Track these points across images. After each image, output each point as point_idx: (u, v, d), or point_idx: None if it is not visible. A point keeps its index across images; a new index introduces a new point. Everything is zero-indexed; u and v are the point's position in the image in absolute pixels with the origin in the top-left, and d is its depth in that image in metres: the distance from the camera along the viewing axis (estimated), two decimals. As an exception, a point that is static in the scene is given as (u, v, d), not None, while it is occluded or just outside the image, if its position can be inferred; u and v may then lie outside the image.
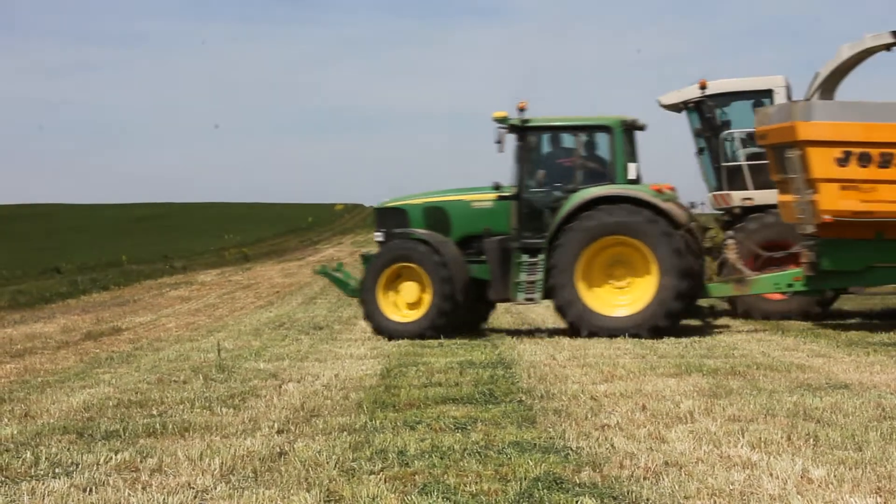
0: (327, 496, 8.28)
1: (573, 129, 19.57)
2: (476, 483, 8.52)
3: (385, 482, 8.59)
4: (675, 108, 23.26)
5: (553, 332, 19.33)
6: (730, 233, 21.16)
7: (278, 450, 9.85)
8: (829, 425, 10.47)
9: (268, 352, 17.52)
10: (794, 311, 21.41)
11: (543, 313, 23.45)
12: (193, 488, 8.59)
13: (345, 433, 10.56)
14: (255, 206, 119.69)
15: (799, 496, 8.00)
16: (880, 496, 7.98)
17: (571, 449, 9.62)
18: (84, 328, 22.59)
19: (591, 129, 19.51)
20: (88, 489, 8.63)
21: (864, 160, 18.40)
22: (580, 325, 18.77)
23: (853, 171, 18.44)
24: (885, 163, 18.37)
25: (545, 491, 8.23)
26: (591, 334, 18.61)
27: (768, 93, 22.33)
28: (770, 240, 21.39)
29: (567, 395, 12.44)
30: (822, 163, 18.54)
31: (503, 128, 19.23)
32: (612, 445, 9.73)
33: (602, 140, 19.47)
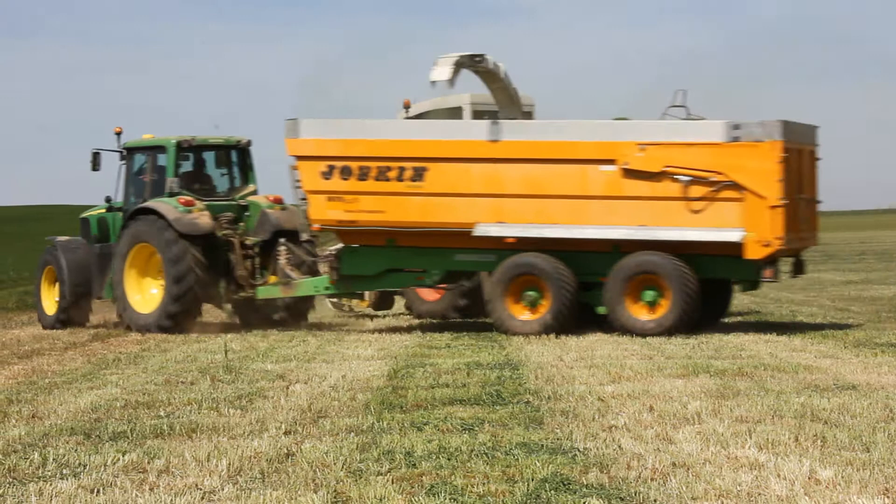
0: (335, 497, 8.28)
1: (143, 150, 22.63)
2: (483, 484, 8.52)
3: (392, 483, 8.59)
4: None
5: (559, 334, 19.31)
6: (282, 239, 22.00)
7: (285, 451, 9.85)
8: (837, 426, 10.45)
9: (275, 353, 17.53)
10: (445, 311, 22.84)
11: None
12: (201, 489, 8.60)
13: (352, 434, 10.56)
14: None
15: (806, 497, 7.99)
16: (888, 497, 7.97)
17: (579, 450, 9.62)
18: (91, 329, 22.60)
19: (153, 150, 22.45)
20: (96, 490, 8.64)
21: (346, 173, 20.10)
22: (127, 321, 21.84)
23: (336, 183, 20.12)
24: (363, 175, 20.01)
25: (552, 492, 8.23)
26: (130, 329, 21.72)
27: (458, 110, 23.61)
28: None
29: (574, 396, 12.44)
30: (310, 176, 20.33)
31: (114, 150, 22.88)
32: (619, 446, 9.73)
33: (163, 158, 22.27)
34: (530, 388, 13.10)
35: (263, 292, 21.84)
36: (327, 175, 20.16)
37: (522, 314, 19.44)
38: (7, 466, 9.50)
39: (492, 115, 21.76)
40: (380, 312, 24.71)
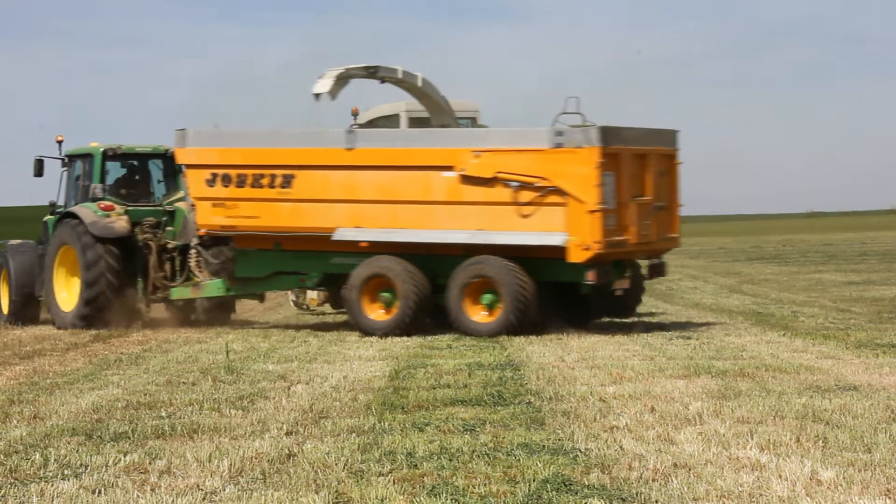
0: (336, 497, 8.28)
1: (79, 158, 23.82)
2: (485, 485, 8.52)
3: (394, 484, 8.59)
4: None
5: (562, 334, 19.32)
6: (193, 242, 22.89)
7: (287, 451, 9.86)
8: (839, 427, 10.45)
9: (276, 353, 17.53)
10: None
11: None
12: (202, 490, 8.60)
13: (353, 435, 10.57)
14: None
15: (808, 498, 7.99)
16: (889, 498, 7.97)
17: (580, 451, 9.62)
18: (92, 330, 22.60)
19: (85, 157, 23.67)
20: (97, 490, 8.65)
21: (226, 181, 21.28)
22: (53, 318, 23.26)
23: (219, 190, 21.34)
24: (241, 182, 21.20)
25: (554, 493, 8.23)
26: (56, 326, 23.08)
27: (396, 118, 24.61)
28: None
29: (576, 397, 12.44)
30: (196, 183, 21.65)
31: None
32: (620, 447, 9.73)
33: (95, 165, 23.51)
34: (532, 389, 13.10)
35: (176, 293, 23.09)
36: (211, 182, 21.39)
37: (377, 314, 20.19)
38: (8, 467, 9.51)
39: (425, 123, 22.87)
40: (341, 310, 24.92)
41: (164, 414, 12.01)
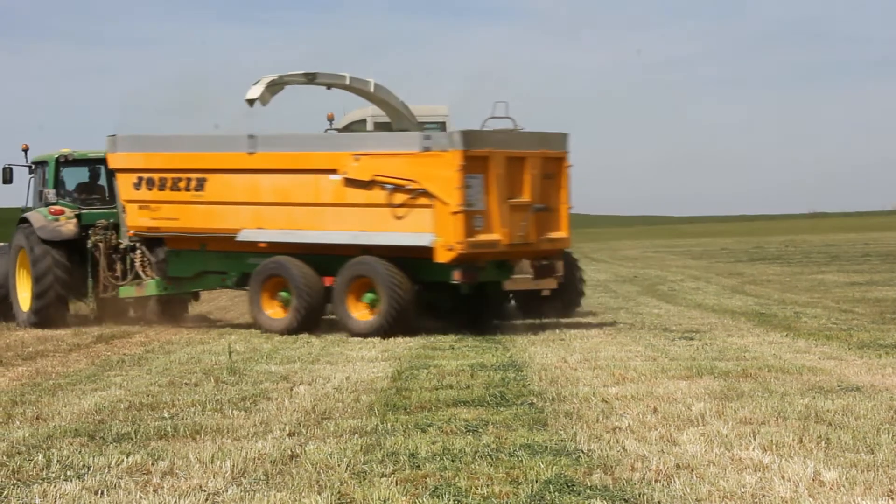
0: (339, 498, 8.28)
1: (41, 165, 24.98)
2: (487, 485, 8.52)
3: (396, 484, 8.59)
4: None
5: (564, 335, 19.33)
6: (138, 243, 23.73)
7: (289, 452, 9.86)
8: (841, 428, 10.45)
9: (279, 354, 17.54)
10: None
11: (553, 315, 23.43)
12: (205, 491, 8.60)
13: (356, 435, 10.57)
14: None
15: (811, 499, 7.99)
16: (892, 499, 7.96)
17: (583, 451, 9.62)
18: (95, 331, 22.62)
19: (40, 164, 25.03)
20: (100, 492, 8.65)
21: (150, 184, 22.57)
22: (15, 316, 24.33)
23: (144, 193, 22.67)
24: (162, 186, 22.42)
25: (556, 493, 8.23)
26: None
27: (363, 122, 25.51)
28: None
29: (578, 398, 12.43)
30: (125, 187, 22.99)
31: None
32: (623, 448, 9.72)
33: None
34: (534, 390, 13.10)
35: (124, 292, 24.00)
36: (137, 186, 22.72)
37: (274, 311, 21.18)
38: (11, 468, 9.51)
39: (387, 127, 23.64)
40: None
41: (166, 415, 12.01)
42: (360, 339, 19.78)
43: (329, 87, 23.48)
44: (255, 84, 22.74)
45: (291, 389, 13.63)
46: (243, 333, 21.41)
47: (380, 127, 24.32)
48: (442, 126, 25.09)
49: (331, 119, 25.17)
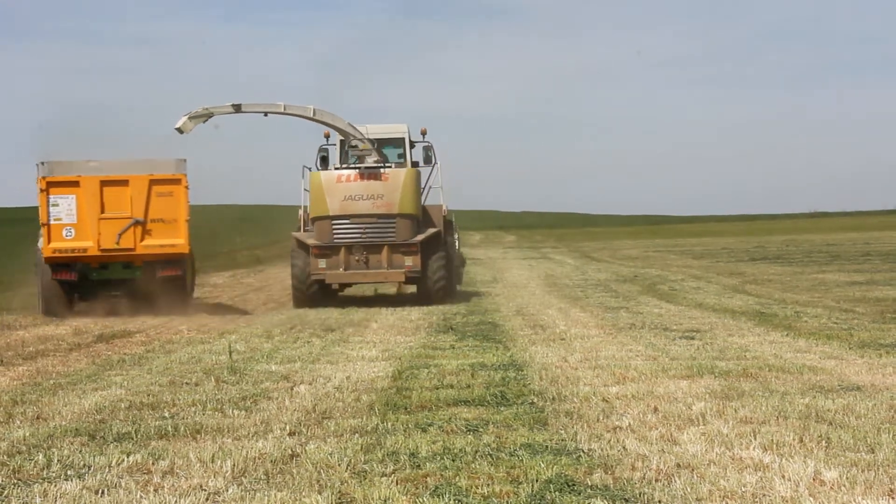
0: (339, 498, 8.28)
1: None
2: (488, 485, 8.52)
3: (397, 484, 8.59)
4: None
5: (565, 334, 19.33)
6: None
7: (290, 452, 9.86)
8: (842, 427, 10.45)
9: (279, 354, 17.54)
10: None
11: (555, 315, 23.44)
12: (205, 490, 8.60)
13: (356, 435, 10.57)
14: (270, 208, 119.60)
15: (811, 498, 7.99)
16: (893, 498, 7.96)
17: (583, 451, 9.62)
18: (96, 330, 22.63)
19: None
20: (100, 491, 8.65)
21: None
22: None
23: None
24: None
25: (557, 493, 8.23)
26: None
27: (343, 142, 28.45)
28: None
29: (579, 397, 12.44)
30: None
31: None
32: (623, 447, 9.72)
33: None
34: (535, 389, 13.10)
35: None
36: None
37: None
38: (12, 467, 9.52)
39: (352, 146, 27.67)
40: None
41: (167, 414, 12.01)
42: (360, 338, 19.78)
43: (266, 114, 26.40)
44: (183, 115, 26.09)
45: (292, 389, 13.63)
46: (243, 333, 21.40)
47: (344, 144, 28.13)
48: (399, 143, 27.97)
49: (327, 136, 28.42)
